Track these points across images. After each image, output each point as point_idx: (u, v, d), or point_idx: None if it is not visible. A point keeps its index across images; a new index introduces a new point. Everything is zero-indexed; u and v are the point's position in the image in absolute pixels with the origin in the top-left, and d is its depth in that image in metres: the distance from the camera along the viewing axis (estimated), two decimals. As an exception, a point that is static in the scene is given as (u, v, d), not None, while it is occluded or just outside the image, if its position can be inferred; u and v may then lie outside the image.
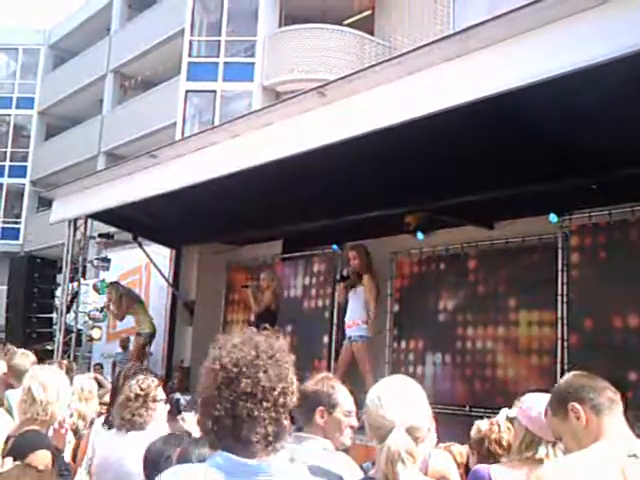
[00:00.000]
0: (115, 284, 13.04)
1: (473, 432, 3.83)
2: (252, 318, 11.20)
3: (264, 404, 1.88)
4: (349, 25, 21.48)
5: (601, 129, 6.06)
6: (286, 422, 1.95)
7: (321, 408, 3.02)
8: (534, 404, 3.25)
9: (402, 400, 2.33)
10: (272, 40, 21.31)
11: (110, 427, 4.24)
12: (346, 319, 9.42)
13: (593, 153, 6.53)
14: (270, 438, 1.89)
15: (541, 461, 3.12)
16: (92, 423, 5.03)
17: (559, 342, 8.05)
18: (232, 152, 8.11)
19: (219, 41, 22.34)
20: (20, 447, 3.67)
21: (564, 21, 5.04)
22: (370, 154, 6.95)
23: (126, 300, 12.57)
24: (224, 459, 1.89)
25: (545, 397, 3.31)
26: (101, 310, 13.57)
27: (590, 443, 2.42)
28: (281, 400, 1.91)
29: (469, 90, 5.62)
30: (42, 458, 3.59)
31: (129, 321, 13.37)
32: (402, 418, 2.27)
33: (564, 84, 5.12)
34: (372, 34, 20.93)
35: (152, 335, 12.31)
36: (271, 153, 7.45)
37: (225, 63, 22.14)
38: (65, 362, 9.73)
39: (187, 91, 22.47)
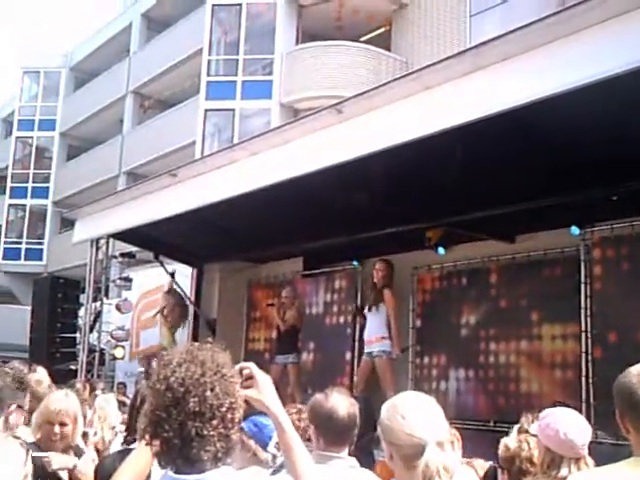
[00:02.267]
0: (173, 291, 12.89)
1: (501, 450, 3.75)
2: (275, 335, 11.16)
3: (213, 422, 1.86)
4: (366, 41, 21.55)
5: (621, 140, 6.02)
6: (235, 437, 1.93)
7: None
8: (551, 421, 3.20)
9: (426, 416, 2.32)
10: (289, 58, 21.42)
11: (129, 446, 4.25)
12: (365, 335, 9.40)
13: (613, 164, 6.49)
14: (219, 455, 1.88)
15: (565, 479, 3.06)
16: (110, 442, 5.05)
17: (583, 356, 7.98)
18: (251, 170, 8.15)
19: (237, 60, 22.48)
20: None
21: (579, 34, 5.04)
22: (389, 169, 6.96)
23: (179, 311, 12.53)
24: (167, 478, 1.89)
25: (563, 412, 3.28)
26: (154, 315, 13.27)
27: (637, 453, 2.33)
28: (229, 416, 1.90)
29: (486, 104, 5.62)
30: None
31: (151, 339, 13.40)
32: (431, 434, 2.25)
33: (582, 96, 5.11)
34: (389, 50, 20.98)
35: None
36: (290, 170, 7.47)
37: (243, 81, 22.26)
38: (88, 382, 9.80)
39: (206, 110, 22.60)
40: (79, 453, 4.15)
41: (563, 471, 3.11)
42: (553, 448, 3.14)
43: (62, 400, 4.08)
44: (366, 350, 9.32)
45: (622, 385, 2.45)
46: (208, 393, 1.87)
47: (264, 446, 4.56)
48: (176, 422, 1.85)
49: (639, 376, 2.43)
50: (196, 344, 2.02)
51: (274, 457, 4.63)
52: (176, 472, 1.89)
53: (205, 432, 1.85)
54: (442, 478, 2.18)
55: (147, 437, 1.92)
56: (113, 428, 5.45)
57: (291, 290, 11.02)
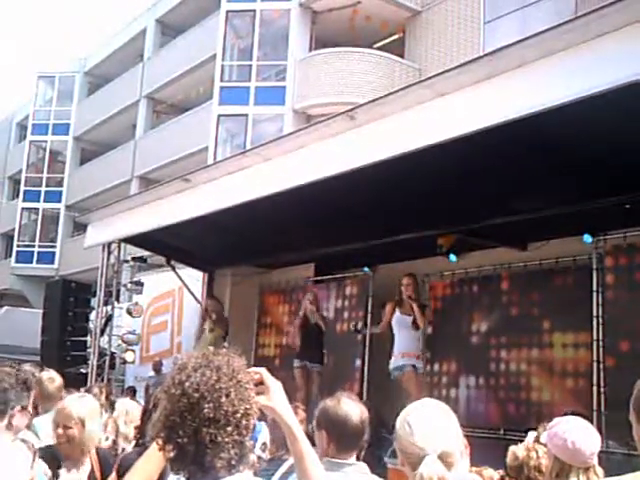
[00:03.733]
0: (216, 298, 12.37)
1: (509, 459, 3.73)
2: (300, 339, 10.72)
3: (227, 429, 1.84)
4: (379, 48, 21.56)
5: (635, 148, 6.00)
6: (249, 443, 1.92)
7: None
8: (559, 430, 3.16)
9: (433, 426, 2.30)
10: (303, 64, 21.45)
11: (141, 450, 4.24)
12: (395, 349, 9.08)
13: (627, 172, 6.46)
14: (233, 462, 1.86)
15: None
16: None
17: (595, 364, 7.94)
18: (264, 176, 8.16)
19: (250, 66, 22.53)
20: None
21: (594, 42, 5.03)
22: (401, 176, 6.95)
23: (224, 318, 12.06)
24: None
25: (572, 421, 3.25)
26: (203, 321, 12.14)
27: None
28: (244, 422, 1.88)
29: (499, 112, 5.61)
30: None
31: (162, 344, 13.40)
32: (434, 445, 2.24)
33: (596, 104, 5.09)
34: (402, 57, 20.98)
35: None
36: (302, 176, 7.48)
37: (256, 87, 22.30)
38: (105, 387, 9.80)
39: (219, 115, 22.64)
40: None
41: (574, 475, 3.07)
42: (562, 457, 3.11)
43: (70, 402, 4.06)
44: (395, 364, 8.99)
45: None
46: (223, 399, 1.85)
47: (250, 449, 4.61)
48: (190, 428, 1.84)
49: None
50: (212, 349, 2.01)
51: (259, 459, 4.68)
52: (189, 479, 1.88)
53: (219, 439, 1.83)
54: None
55: (160, 442, 1.91)
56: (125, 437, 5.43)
57: (314, 295, 10.91)
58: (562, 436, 3.13)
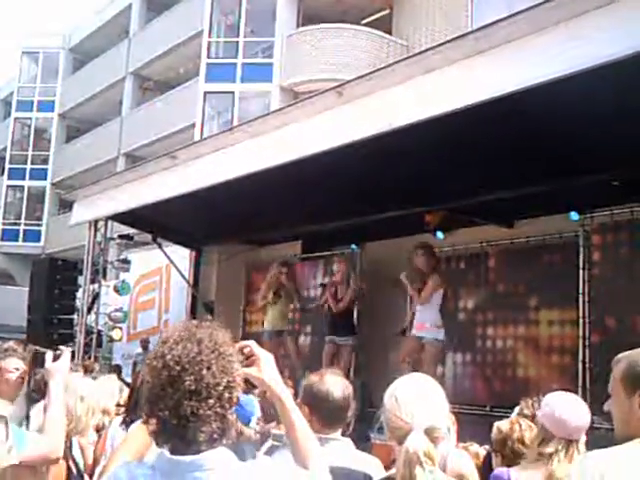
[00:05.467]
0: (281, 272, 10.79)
1: (494, 434, 3.79)
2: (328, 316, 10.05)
3: (209, 401, 1.83)
4: (367, 25, 21.42)
5: (622, 125, 5.99)
6: (232, 417, 1.91)
7: None
8: (551, 401, 3.27)
9: (420, 401, 2.31)
10: (290, 40, 21.31)
11: (128, 427, 4.24)
12: (415, 320, 8.67)
13: (614, 150, 6.46)
14: (215, 435, 1.85)
15: (550, 456, 3.11)
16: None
17: (581, 341, 8.00)
18: (251, 152, 8.12)
19: (237, 42, 22.37)
20: None
21: (581, 18, 5.01)
22: (388, 153, 6.93)
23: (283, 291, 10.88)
24: (161, 459, 1.88)
25: (565, 394, 3.31)
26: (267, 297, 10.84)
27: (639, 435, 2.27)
28: (226, 395, 1.86)
29: (487, 88, 5.58)
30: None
31: (149, 322, 13.39)
32: (420, 419, 2.25)
33: (584, 80, 5.07)
34: (390, 33, 20.86)
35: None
36: (289, 153, 7.44)
37: (243, 64, 22.16)
38: (88, 363, 9.80)
39: (206, 92, 22.51)
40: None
41: (550, 448, 3.15)
42: (547, 426, 3.20)
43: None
44: (416, 334, 8.57)
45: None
46: (205, 372, 1.84)
47: (246, 423, 4.65)
48: (172, 401, 1.83)
49: None
50: (194, 322, 1.99)
51: (256, 433, 4.73)
52: (172, 452, 1.87)
53: (201, 411, 1.82)
54: (423, 465, 2.17)
55: (144, 416, 1.91)
56: (104, 412, 5.40)
57: (344, 267, 9.99)
58: (552, 406, 3.22)
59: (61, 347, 3.24)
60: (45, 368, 3.15)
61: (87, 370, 8.64)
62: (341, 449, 2.96)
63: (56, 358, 3.18)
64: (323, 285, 10.47)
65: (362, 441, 4.22)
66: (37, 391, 3.42)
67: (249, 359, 2.11)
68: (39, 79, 35.21)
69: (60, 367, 3.17)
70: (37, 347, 3.33)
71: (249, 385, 2.15)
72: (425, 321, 8.54)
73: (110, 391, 5.81)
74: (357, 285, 10.02)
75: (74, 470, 3.91)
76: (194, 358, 1.85)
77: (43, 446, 3.07)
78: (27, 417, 3.42)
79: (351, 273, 10.05)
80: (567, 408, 3.21)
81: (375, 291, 10.16)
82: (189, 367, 1.84)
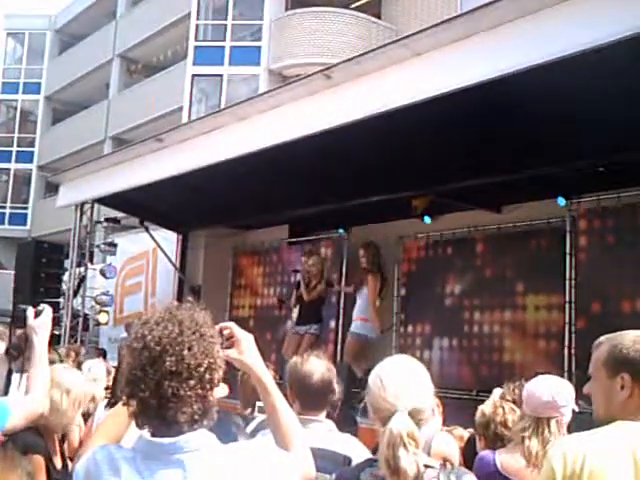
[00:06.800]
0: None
1: (478, 416, 3.81)
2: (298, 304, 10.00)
3: (190, 382, 1.82)
4: (356, 9, 21.34)
5: (610, 111, 5.99)
6: (212, 398, 1.90)
7: None
8: (531, 383, 3.31)
9: (404, 382, 2.30)
10: (278, 24, 21.20)
11: (112, 410, 4.22)
12: (354, 312, 9.31)
13: (601, 136, 6.46)
14: (196, 416, 1.84)
15: (522, 433, 3.18)
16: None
17: (567, 326, 8.03)
18: (238, 135, 8.08)
19: (225, 25, 22.25)
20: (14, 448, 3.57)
21: (569, 2, 5.00)
22: (376, 137, 6.91)
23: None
24: (141, 441, 1.87)
25: (547, 377, 3.35)
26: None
27: (621, 417, 2.26)
28: (207, 376, 1.86)
29: (475, 72, 5.57)
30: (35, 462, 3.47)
31: (136, 305, 13.34)
32: (404, 401, 2.24)
33: (571, 65, 5.07)
34: (379, 18, 20.79)
35: None
36: (277, 136, 7.41)
37: (231, 47, 22.05)
38: (74, 347, 9.76)
39: (193, 75, 22.39)
40: None
41: (519, 425, 3.25)
42: (524, 405, 3.27)
43: None
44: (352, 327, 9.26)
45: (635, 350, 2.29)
46: (185, 352, 1.83)
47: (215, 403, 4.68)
48: (152, 381, 1.82)
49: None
50: (175, 303, 1.98)
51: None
52: (153, 434, 1.87)
53: (182, 392, 1.81)
54: (407, 447, 2.16)
55: (124, 397, 1.90)
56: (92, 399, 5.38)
57: (318, 259, 10.02)
58: (529, 386, 3.29)
59: (42, 304, 3.22)
60: (28, 324, 3.14)
61: (78, 354, 8.61)
62: (322, 431, 2.96)
63: (37, 314, 3.17)
64: (295, 271, 10.46)
65: (349, 424, 4.23)
66: (16, 348, 3.40)
67: (229, 340, 2.10)
68: (25, 61, 34.89)
69: (43, 322, 3.17)
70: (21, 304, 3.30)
71: (231, 367, 2.14)
72: (356, 313, 9.21)
73: (98, 377, 5.80)
74: (330, 276, 10.13)
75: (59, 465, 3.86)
76: (175, 339, 1.85)
77: (28, 405, 3.07)
78: (9, 373, 3.39)
79: (327, 263, 10.23)
80: (535, 385, 3.26)
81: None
82: (170, 348, 1.83)
